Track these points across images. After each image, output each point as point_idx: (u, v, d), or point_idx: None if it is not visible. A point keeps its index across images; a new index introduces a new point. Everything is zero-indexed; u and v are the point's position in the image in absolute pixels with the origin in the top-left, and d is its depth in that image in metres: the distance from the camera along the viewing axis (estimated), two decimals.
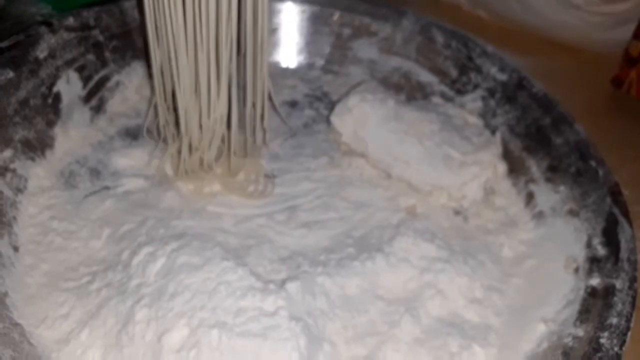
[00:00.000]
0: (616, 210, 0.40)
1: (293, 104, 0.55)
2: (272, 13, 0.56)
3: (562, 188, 0.44)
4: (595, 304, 0.35)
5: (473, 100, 0.52)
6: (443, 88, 0.54)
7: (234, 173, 0.46)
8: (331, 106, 0.54)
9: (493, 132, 0.50)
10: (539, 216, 0.44)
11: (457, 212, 0.46)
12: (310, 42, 0.58)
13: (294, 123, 0.53)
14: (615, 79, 0.62)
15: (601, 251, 0.38)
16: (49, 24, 0.48)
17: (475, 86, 0.53)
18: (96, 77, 0.51)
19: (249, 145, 0.47)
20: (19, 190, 0.42)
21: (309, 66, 0.58)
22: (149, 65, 0.44)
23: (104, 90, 0.51)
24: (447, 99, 0.53)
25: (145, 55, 0.50)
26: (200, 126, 0.43)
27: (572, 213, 0.42)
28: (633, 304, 0.34)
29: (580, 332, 0.34)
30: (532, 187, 0.46)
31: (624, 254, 0.37)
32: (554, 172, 0.45)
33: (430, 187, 0.46)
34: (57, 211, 0.42)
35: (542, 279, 0.40)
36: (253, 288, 0.34)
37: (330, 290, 0.37)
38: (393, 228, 0.43)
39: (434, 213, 0.45)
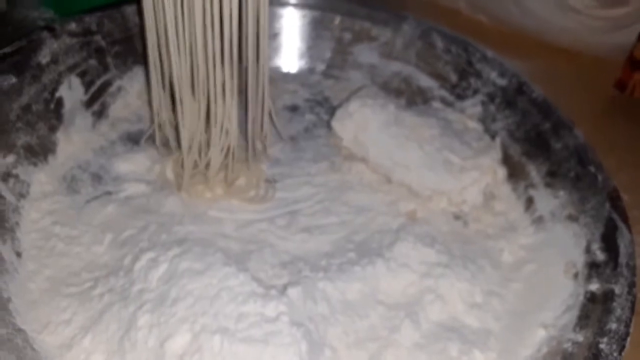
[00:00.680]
0: (615, 216, 0.40)
1: (294, 109, 0.55)
2: (273, 18, 0.56)
3: (561, 193, 0.44)
4: (594, 310, 0.35)
5: (473, 105, 0.52)
6: (443, 93, 0.54)
7: (234, 178, 0.47)
8: (332, 111, 0.54)
9: (493, 137, 0.50)
10: (539, 221, 0.45)
11: (457, 217, 0.46)
12: (311, 46, 0.58)
13: (294, 127, 0.54)
14: (619, 82, 0.63)
15: (600, 256, 0.38)
16: (51, 29, 0.48)
17: (475, 91, 0.53)
18: (98, 82, 0.51)
19: (249, 150, 0.47)
20: (21, 196, 0.43)
21: (310, 71, 0.58)
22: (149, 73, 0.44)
23: (106, 95, 0.52)
24: (447, 103, 0.53)
25: (146, 61, 0.51)
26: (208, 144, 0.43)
27: (572, 218, 0.42)
28: (632, 310, 0.34)
29: (579, 337, 0.34)
30: (532, 192, 0.46)
31: (622, 259, 0.37)
32: (553, 177, 0.46)
33: (430, 191, 0.46)
34: (59, 216, 0.42)
35: (542, 284, 0.40)
36: (255, 294, 0.35)
37: (332, 296, 0.38)
38: (393, 233, 0.43)
39: (434, 217, 0.45)
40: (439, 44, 0.55)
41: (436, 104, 0.53)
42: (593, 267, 0.38)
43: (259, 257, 0.41)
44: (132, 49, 0.53)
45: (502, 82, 0.52)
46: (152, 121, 0.45)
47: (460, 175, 0.45)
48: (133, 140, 0.50)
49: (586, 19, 0.64)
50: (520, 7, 0.67)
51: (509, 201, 0.47)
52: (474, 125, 0.50)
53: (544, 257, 0.42)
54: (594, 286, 0.37)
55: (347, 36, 0.57)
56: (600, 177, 0.43)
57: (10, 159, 0.43)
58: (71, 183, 0.46)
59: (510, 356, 0.36)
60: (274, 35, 0.57)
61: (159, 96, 0.43)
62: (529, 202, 0.46)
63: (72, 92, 0.49)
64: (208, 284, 0.35)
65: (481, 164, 0.46)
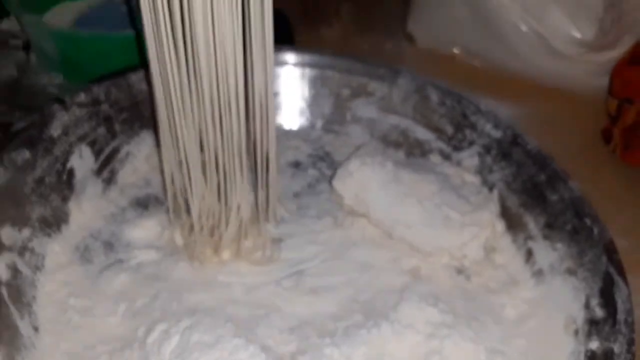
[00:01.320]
0: (612, 269, 0.41)
1: (297, 165, 0.57)
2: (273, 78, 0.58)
3: (559, 245, 0.45)
4: None
5: (470, 157, 0.54)
6: (440, 145, 0.56)
7: (242, 239, 0.48)
8: (333, 165, 0.56)
9: (490, 188, 0.52)
10: (539, 274, 0.46)
11: (459, 271, 0.47)
12: (311, 103, 0.60)
13: (298, 184, 0.55)
14: (605, 132, 0.63)
15: (599, 313, 0.39)
16: (61, 101, 0.50)
17: (471, 143, 0.54)
18: (107, 150, 0.53)
19: (260, 212, 0.48)
20: (37, 269, 0.44)
21: (310, 127, 0.60)
22: (158, 142, 0.46)
23: (115, 161, 0.53)
24: (445, 156, 0.55)
25: (154, 128, 0.53)
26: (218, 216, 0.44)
27: (570, 272, 0.43)
28: None
29: None
30: (531, 244, 0.48)
31: (621, 315, 0.38)
32: (550, 229, 0.47)
33: (431, 247, 0.47)
34: (74, 287, 0.44)
35: (544, 340, 0.41)
36: None
37: None
38: (397, 292, 0.44)
39: (436, 273, 0.47)
40: (434, 97, 0.57)
41: (434, 157, 0.55)
42: (592, 324, 0.39)
43: (267, 322, 0.42)
44: (138, 114, 0.55)
45: (496, 134, 0.53)
46: (164, 189, 0.47)
47: (460, 231, 0.47)
48: (142, 205, 0.52)
49: (577, 64, 0.66)
50: (512, 53, 0.69)
51: (509, 253, 0.48)
52: (472, 178, 0.52)
53: (545, 312, 0.43)
54: (594, 344, 0.38)
55: (346, 92, 0.59)
56: (596, 230, 0.44)
57: (26, 232, 0.44)
58: (84, 252, 0.47)
59: None
60: (274, 94, 0.59)
61: (171, 167, 0.45)
62: (529, 254, 0.47)
63: (82, 161, 0.51)
64: (219, 357, 0.36)
65: (480, 218, 0.48)
